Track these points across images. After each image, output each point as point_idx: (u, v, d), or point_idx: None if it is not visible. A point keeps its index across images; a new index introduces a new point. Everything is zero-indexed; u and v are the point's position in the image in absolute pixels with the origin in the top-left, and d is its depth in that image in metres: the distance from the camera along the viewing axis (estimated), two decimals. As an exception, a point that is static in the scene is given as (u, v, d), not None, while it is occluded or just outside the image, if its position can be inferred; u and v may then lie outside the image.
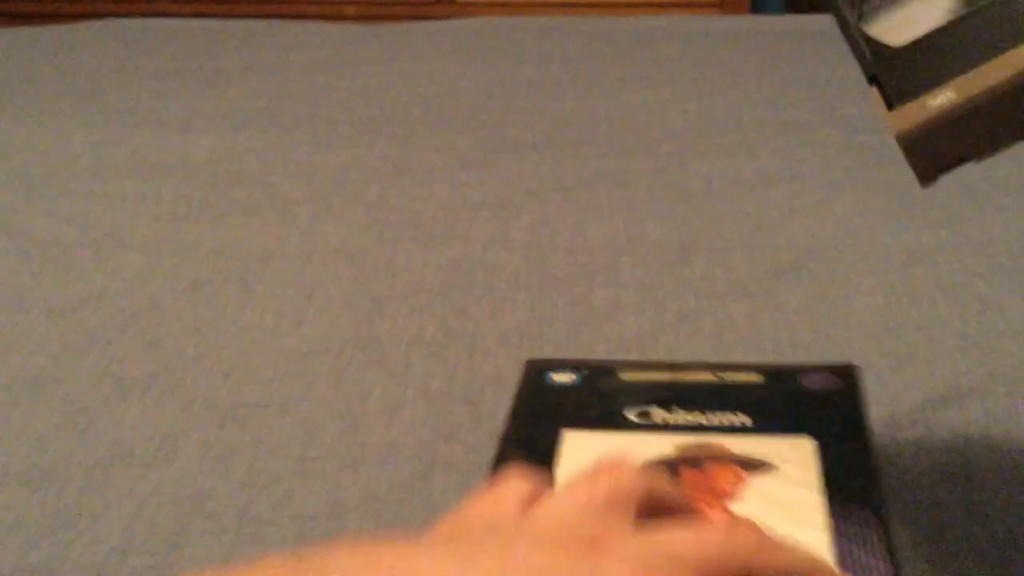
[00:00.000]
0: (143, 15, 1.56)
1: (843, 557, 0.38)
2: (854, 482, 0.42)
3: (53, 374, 0.60)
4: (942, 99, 0.32)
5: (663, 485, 0.33)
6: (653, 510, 0.31)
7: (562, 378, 0.51)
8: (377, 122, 0.98)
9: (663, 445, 0.45)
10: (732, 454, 0.44)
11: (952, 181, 0.80)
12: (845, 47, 0.35)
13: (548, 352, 0.60)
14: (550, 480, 0.40)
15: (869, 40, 0.33)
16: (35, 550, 0.47)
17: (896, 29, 0.33)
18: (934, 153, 0.33)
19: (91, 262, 0.72)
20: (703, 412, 0.47)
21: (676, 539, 0.29)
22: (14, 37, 1.30)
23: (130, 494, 0.50)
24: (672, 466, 0.44)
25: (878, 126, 0.92)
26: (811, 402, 0.48)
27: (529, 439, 0.47)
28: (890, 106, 0.33)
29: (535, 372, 0.52)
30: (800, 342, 0.60)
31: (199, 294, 0.68)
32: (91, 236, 0.76)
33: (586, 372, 0.52)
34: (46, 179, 0.86)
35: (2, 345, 0.63)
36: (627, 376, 0.51)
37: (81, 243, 0.75)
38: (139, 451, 0.53)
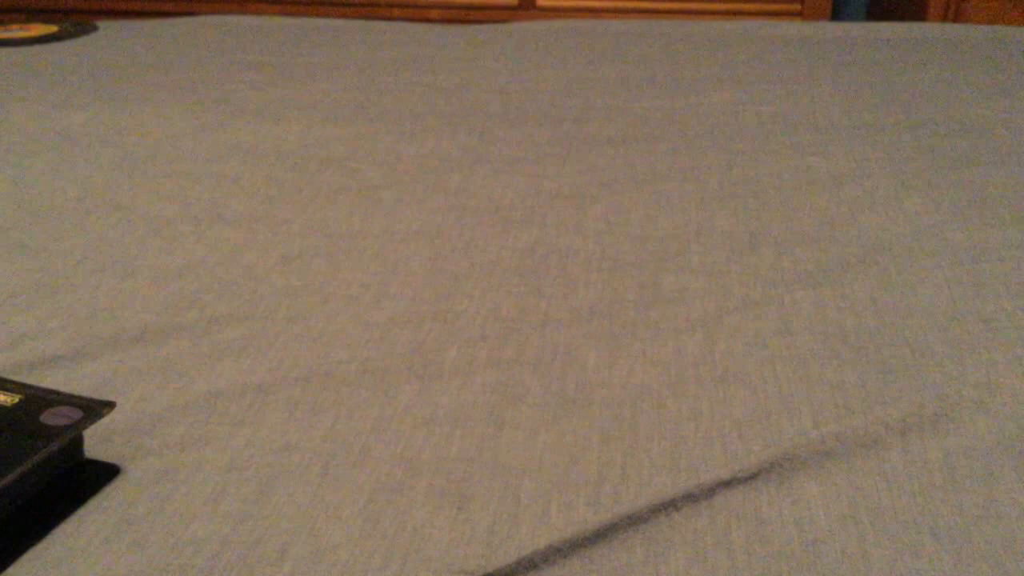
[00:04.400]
0: (241, 14, 1.63)
1: None
2: None
3: (155, 334, 0.65)
4: None
5: None
6: None
7: None
8: (459, 116, 1.01)
9: None
10: None
11: (1022, 183, 0.81)
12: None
13: (616, 329, 0.63)
14: None
15: None
16: (134, 505, 0.52)
17: None
18: None
19: (191, 235, 0.77)
20: None
21: None
22: (121, 31, 1.37)
23: (223, 447, 0.54)
24: None
25: (951, 131, 0.93)
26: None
27: None
28: None
29: None
30: (864, 328, 0.62)
31: (289, 266, 0.72)
32: (191, 212, 0.81)
33: None
34: (151, 161, 0.92)
35: (112, 305, 0.68)
36: None
37: (182, 218, 0.80)
38: (232, 408, 0.57)
